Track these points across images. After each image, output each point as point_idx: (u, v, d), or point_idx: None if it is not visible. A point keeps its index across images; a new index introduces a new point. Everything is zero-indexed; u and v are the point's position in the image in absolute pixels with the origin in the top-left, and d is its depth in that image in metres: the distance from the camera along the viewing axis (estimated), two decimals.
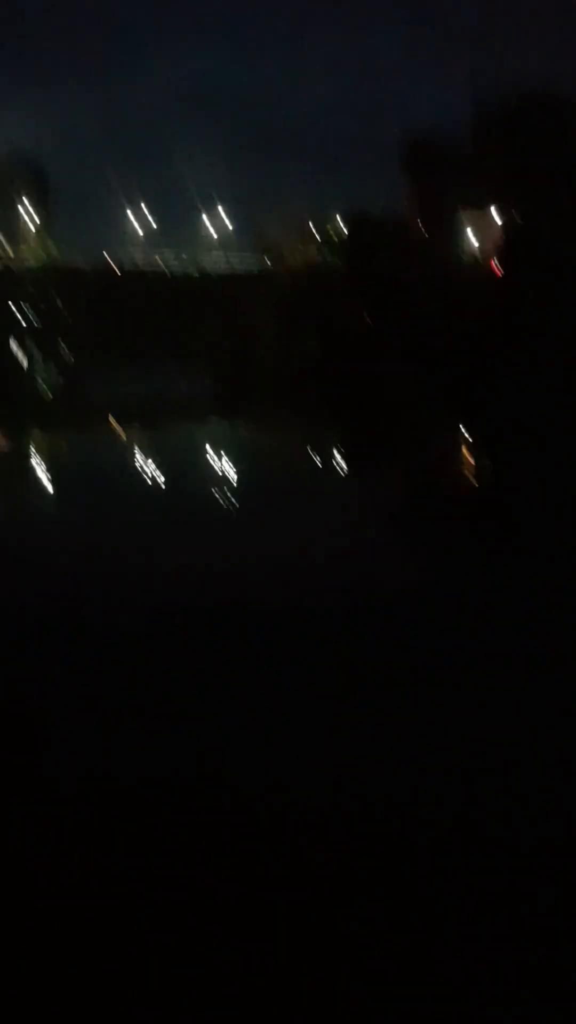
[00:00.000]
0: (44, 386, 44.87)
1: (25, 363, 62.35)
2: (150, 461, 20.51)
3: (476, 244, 62.84)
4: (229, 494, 16.70)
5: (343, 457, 21.83)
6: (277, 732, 6.52)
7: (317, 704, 7.00)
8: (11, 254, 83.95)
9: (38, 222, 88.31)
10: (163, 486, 17.81)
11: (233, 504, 15.68)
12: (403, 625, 8.87)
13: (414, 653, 8.08)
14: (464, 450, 22.36)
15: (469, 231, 63.15)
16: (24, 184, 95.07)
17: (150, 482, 18.26)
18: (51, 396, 40.49)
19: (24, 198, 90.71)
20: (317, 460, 21.16)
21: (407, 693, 7.19)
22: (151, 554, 11.72)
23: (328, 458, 21.67)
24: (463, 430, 25.57)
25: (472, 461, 20.83)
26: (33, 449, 23.68)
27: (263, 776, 5.84)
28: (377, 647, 8.31)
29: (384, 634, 8.67)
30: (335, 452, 22.52)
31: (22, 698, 7.25)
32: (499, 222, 57.69)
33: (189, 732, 6.56)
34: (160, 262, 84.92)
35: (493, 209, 58.80)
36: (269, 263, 79.04)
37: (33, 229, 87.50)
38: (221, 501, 15.85)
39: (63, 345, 71.56)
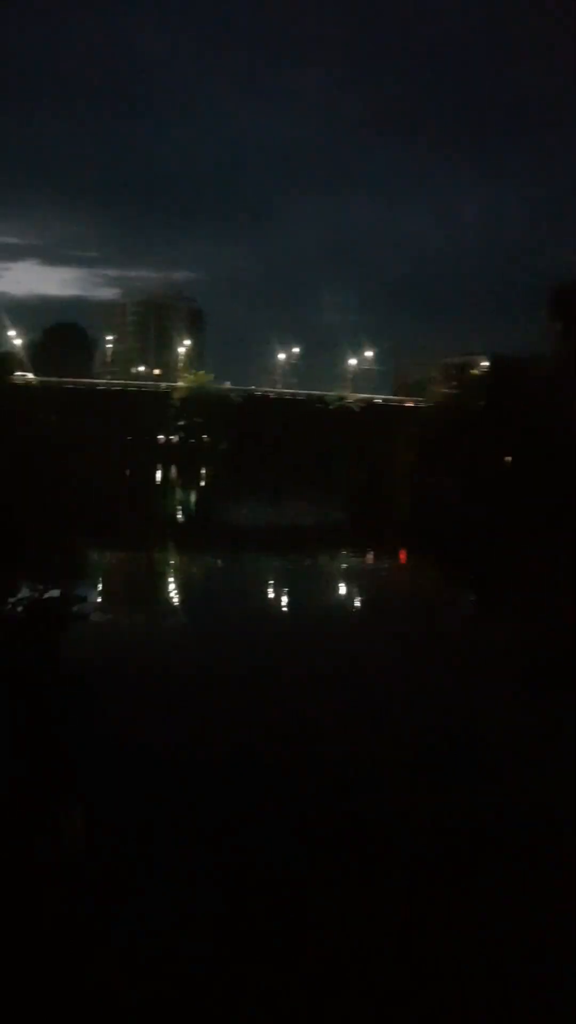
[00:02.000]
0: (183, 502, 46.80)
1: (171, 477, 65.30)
2: (273, 587, 20.61)
3: None
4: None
5: (476, 595, 21.17)
6: None
7: None
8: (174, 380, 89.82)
9: (196, 355, 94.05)
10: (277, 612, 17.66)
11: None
12: None
13: None
14: None
15: None
16: (189, 323, 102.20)
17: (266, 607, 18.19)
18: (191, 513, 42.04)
19: (188, 335, 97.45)
20: (445, 596, 20.61)
21: None
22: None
23: (459, 595, 21.06)
24: None
25: None
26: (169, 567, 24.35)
27: None
28: None
29: None
30: (467, 589, 21.89)
31: None
32: None
33: None
34: (306, 396, 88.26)
35: None
36: (412, 401, 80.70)
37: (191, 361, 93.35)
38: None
39: (208, 465, 74.91)
